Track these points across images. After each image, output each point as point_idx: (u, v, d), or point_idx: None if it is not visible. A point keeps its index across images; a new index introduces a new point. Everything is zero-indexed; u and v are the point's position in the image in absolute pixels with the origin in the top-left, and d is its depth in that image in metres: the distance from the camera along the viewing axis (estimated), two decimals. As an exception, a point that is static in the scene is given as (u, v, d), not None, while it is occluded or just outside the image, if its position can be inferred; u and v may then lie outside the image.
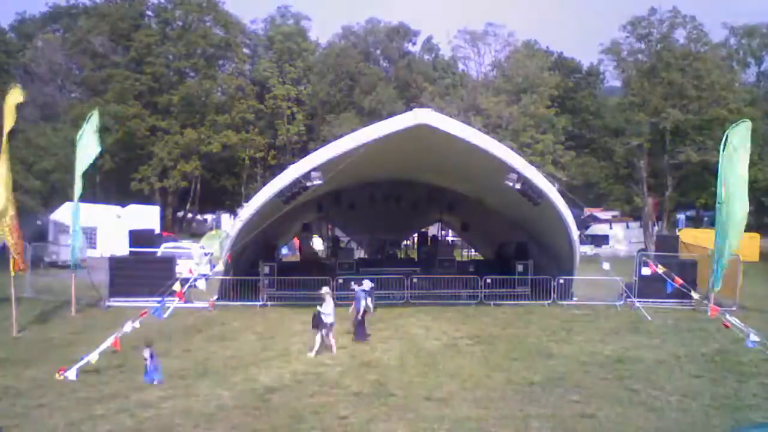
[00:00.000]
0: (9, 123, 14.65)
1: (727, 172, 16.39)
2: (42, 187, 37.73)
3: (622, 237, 40.00)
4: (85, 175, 17.49)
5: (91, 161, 17.41)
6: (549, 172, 35.75)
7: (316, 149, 19.04)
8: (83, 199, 17.82)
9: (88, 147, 17.18)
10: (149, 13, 51.65)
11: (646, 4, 54.17)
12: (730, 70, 43.36)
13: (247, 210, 18.37)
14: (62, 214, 31.99)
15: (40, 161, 39.13)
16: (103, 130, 43.36)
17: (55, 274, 24.74)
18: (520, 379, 11.05)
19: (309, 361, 12.23)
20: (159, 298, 13.52)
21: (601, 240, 38.29)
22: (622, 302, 19.22)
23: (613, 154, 46.07)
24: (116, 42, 48.91)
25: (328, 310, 12.70)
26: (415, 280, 20.27)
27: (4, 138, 14.58)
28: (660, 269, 16.66)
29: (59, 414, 9.05)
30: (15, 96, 15.06)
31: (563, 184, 40.02)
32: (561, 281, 19.99)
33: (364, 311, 13.88)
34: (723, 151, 16.54)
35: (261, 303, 18.47)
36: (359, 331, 13.90)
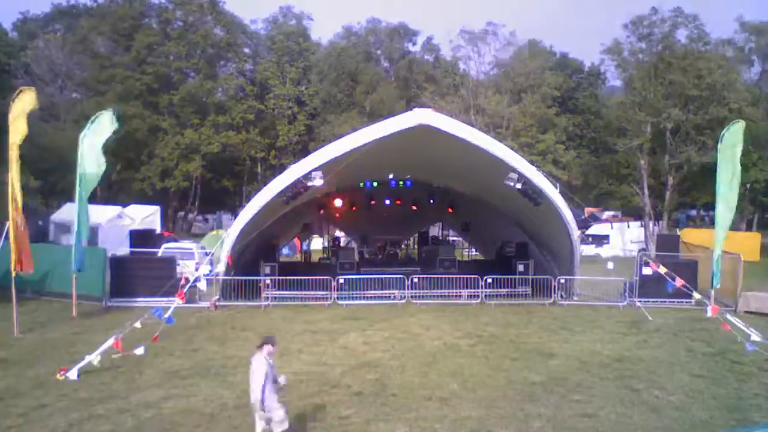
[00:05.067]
0: (19, 131, 14.41)
1: (722, 172, 16.42)
2: (43, 187, 37.76)
3: (623, 237, 40.01)
4: (101, 179, 17.13)
5: (103, 168, 16.69)
6: (549, 172, 35.74)
7: (317, 149, 19.07)
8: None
9: (97, 151, 16.46)
10: (150, 13, 51.66)
11: (648, 3, 54.20)
12: (731, 70, 43.26)
13: (248, 210, 18.39)
14: (63, 214, 32.06)
15: (41, 161, 39.14)
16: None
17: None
18: (521, 379, 11.06)
19: (310, 360, 12.24)
20: (161, 298, 13.53)
21: (601, 240, 38.34)
22: (625, 302, 19.25)
23: (614, 154, 46.05)
24: (117, 42, 48.93)
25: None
26: (415, 279, 20.28)
27: (16, 144, 14.49)
28: (661, 269, 16.66)
29: (60, 414, 9.06)
30: (28, 101, 14.42)
31: (564, 183, 40.03)
32: (562, 281, 20.00)
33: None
34: (719, 151, 16.58)
35: (264, 304, 18.44)
36: None
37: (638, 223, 43.31)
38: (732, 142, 16.32)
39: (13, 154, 14.56)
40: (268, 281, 19.25)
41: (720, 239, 16.58)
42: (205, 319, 16.60)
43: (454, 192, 25.80)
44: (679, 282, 15.86)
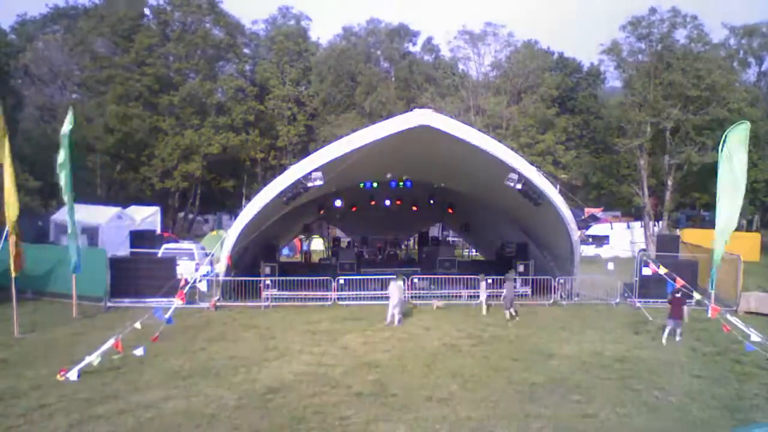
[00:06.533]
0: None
1: (724, 173, 16.36)
2: (42, 188, 37.75)
3: (623, 237, 40.04)
4: (71, 176, 16.98)
5: (63, 164, 16.72)
6: (549, 172, 35.73)
7: (317, 150, 19.09)
8: (80, 200, 17.53)
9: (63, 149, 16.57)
10: (149, 14, 51.63)
11: (647, 4, 54.19)
12: (731, 71, 43.21)
13: (248, 211, 18.39)
14: (63, 214, 32.07)
15: (40, 162, 39.14)
16: (105, 131, 43.39)
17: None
18: (521, 380, 11.06)
19: (310, 361, 12.26)
20: (161, 299, 13.54)
21: (601, 240, 38.37)
22: (617, 300, 19.34)
23: (614, 154, 46.03)
24: (116, 43, 48.88)
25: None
26: (415, 280, 20.30)
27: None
28: (662, 270, 16.67)
29: (60, 415, 9.07)
30: None
31: (564, 184, 40.02)
32: (562, 281, 20.02)
33: None
34: (721, 151, 16.53)
35: (265, 305, 18.41)
36: None
37: (638, 223, 43.31)
38: (736, 143, 16.24)
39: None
40: (268, 281, 19.25)
41: (721, 242, 16.48)
42: (206, 320, 16.61)
43: (454, 192, 25.80)
44: (679, 282, 15.86)
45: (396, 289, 16.25)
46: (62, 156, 16.48)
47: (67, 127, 16.59)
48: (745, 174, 16.19)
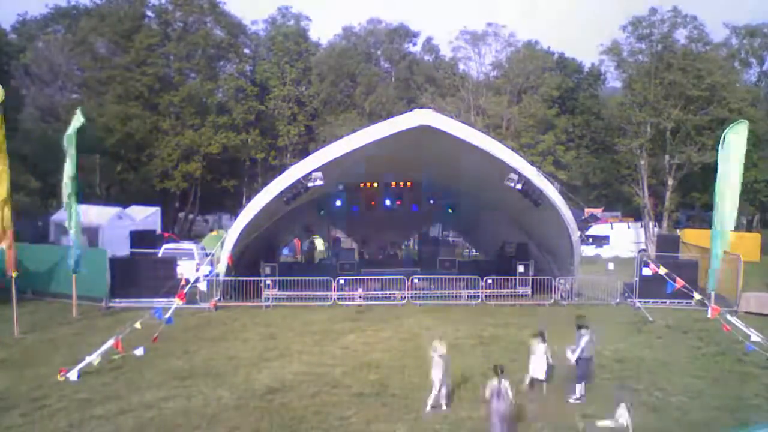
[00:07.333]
0: None
1: (723, 172, 16.34)
2: (43, 188, 37.76)
3: (624, 237, 40.01)
4: (76, 176, 16.73)
5: (73, 164, 16.51)
6: (550, 172, 35.71)
7: (317, 150, 19.07)
8: (80, 200, 17.46)
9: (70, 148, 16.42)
10: (150, 14, 51.63)
11: (647, 4, 54.14)
12: (731, 71, 43.22)
13: (249, 211, 18.39)
14: (63, 214, 32.08)
15: (40, 162, 39.15)
16: (105, 131, 43.31)
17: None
18: (521, 380, 11.04)
19: (310, 361, 12.25)
20: (162, 299, 13.54)
21: (601, 240, 38.33)
22: (617, 301, 19.34)
23: (614, 155, 46.02)
24: (117, 43, 48.87)
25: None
26: (416, 280, 20.30)
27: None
28: (662, 270, 16.64)
29: (60, 415, 9.07)
30: None
31: (564, 184, 40.00)
32: (562, 281, 20.02)
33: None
34: (720, 151, 16.51)
35: (265, 305, 18.40)
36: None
37: (639, 223, 43.30)
38: (735, 143, 16.22)
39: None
40: (269, 281, 19.24)
41: (717, 239, 16.45)
42: (206, 320, 16.61)
43: (454, 192, 25.80)
44: (679, 282, 15.85)
45: None
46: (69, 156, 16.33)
47: (74, 127, 16.44)
48: (740, 174, 16.16)
